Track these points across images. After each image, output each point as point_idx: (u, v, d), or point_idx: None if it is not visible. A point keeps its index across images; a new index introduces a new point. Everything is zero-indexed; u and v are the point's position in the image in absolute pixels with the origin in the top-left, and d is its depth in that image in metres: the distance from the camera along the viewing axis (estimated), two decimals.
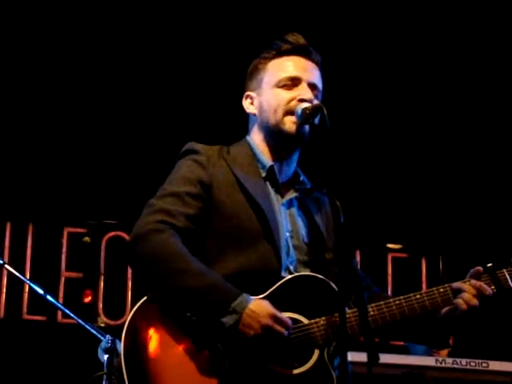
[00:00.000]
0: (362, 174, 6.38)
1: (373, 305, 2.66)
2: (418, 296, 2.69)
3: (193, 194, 2.73)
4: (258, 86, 2.89)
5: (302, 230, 2.83)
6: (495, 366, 3.54)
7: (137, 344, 2.54)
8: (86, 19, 5.83)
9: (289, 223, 2.80)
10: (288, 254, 2.74)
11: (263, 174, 2.83)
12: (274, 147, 2.86)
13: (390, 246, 6.85)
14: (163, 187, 2.78)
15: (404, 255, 6.86)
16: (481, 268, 2.73)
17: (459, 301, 2.67)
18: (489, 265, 2.72)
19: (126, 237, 6.35)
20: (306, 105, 2.75)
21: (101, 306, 6.36)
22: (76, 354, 5.70)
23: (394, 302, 2.67)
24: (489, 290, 2.68)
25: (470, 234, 6.53)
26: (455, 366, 3.51)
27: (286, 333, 2.53)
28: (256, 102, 2.89)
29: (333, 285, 2.65)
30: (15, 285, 6.16)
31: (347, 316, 2.57)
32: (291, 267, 2.73)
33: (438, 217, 6.62)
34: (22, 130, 6.20)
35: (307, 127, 2.78)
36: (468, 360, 3.54)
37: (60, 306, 4.24)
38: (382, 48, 6.06)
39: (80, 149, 6.23)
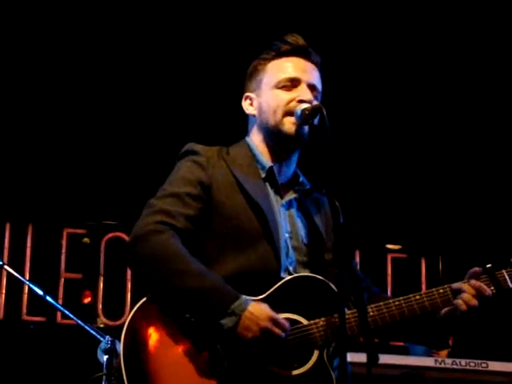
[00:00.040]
0: (362, 174, 6.38)
1: (372, 305, 2.66)
2: (417, 297, 2.69)
3: (193, 194, 2.73)
4: (257, 87, 2.89)
5: (302, 231, 2.82)
6: (494, 366, 3.55)
7: (136, 345, 2.54)
8: (86, 19, 5.83)
9: (288, 224, 2.80)
10: (287, 254, 2.74)
11: (263, 175, 2.83)
12: (274, 148, 2.86)
13: (389, 246, 6.86)
14: (163, 188, 2.77)
15: (403, 256, 6.86)
16: (478, 269, 2.73)
17: (459, 301, 2.67)
18: (488, 265, 2.72)
19: (126, 238, 6.35)
20: (305, 105, 2.74)
21: (100, 306, 6.36)
22: (75, 354, 5.70)
23: (393, 302, 2.67)
24: (488, 290, 2.68)
25: (469, 235, 6.53)
26: (455, 366, 3.52)
27: (284, 336, 2.52)
28: (255, 102, 2.89)
29: (332, 285, 2.65)
30: (15, 286, 6.16)
31: (347, 317, 2.57)
32: (290, 268, 2.73)
33: (437, 217, 6.62)
34: (21, 130, 6.20)
35: (306, 128, 2.78)
36: (467, 360, 3.54)
37: (59, 306, 4.24)
38: (382, 48, 6.06)
39: (80, 150, 6.23)
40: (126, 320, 2.59)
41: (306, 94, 2.79)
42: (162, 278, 2.58)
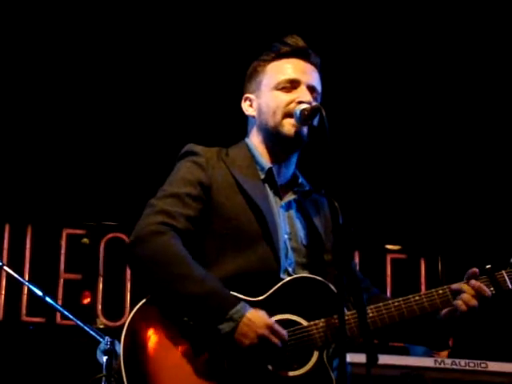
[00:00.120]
0: (361, 175, 6.38)
1: (372, 306, 2.66)
2: (416, 298, 2.69)
3: (193, 195, 2.73)
4: (257, 88, 2.89)
5: (301, 232, 2.83)
6: (494, 366, 3.54)
7: (136, 346, 2.54)
8: (86, 19, 5.83)
9: (287, 225, 2.80)
10: (286, 256, 2.74)
11: (262, 176, 2.83)
12: (273, 149, 2.86)
13: (388, 247, 6.85)
14: (163, 188, 2.78)
15: (403, 256, 6.85)
16: (477, 269, 2.73)
17: (458, 302, 2.67)
18: (488, 266, 2.72)
19: (125, 238, 6.35)
20: (304, 106, 2.75)
21: (100, 307, 6.36)
22: (75, 355, 5.69)
23: (392, 303, 2.67)
24: (488, 291, 2.68)
25: (468, 235, 6.53)
26: (454, 366, 3.51)
27: (280, 345, 2.52)
28: (255, 104, 2.90)
29: (332, 286, 2.65)
30: (14, 286, 6.16)
31: (346, 318, 2.57)
32: (290, 269, 2.73)
33: (436, 218, 6.62)
34: (21, 131, 6.19)
35: (306, 130, 2.78)
36: (467, 361, 3.54)
37: (59, 307, 4.24)
38: (381, 50, 6.06)
39: (79, 150, 6.23)
40: (125, 321, 2.59)
41: (306, 96, 2.79)
42: (162, 281, 2.58)
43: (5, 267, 4.09)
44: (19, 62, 5.97)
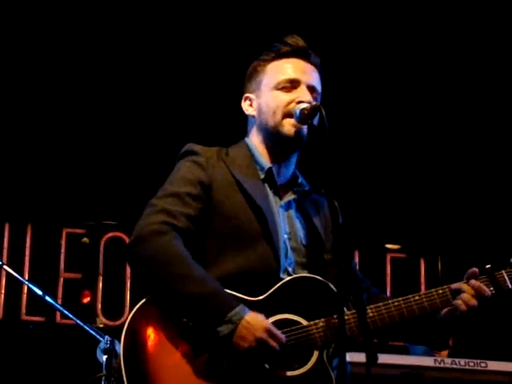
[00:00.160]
0: (361, 174, 6.38)
1: (372, 306, 2.66)
2: (416, 297, 2.69)
3: (193, 194, 2.73)
4: (257, 88, 2.89)
5: (300, 232, 2.82)
6: (494, 366, 3.55)
7: (136, 346, 2.54)
8: (86, 19, 5.83)
9: (287, 225, 2.80)
10: (286, 255, 2.74)
11: (262, 176, 2.83)
12: (273, 149, 2.86)
13: (388, 246, 6.85)
14: (163, 187, 2.78)
15: (403, 255, 6.85)
16: (477, 269, 2.73)
17: (458, 301, 2.67)
18: (487, 266, 2.72)
19: (125, 237, 6.36)
20: (304, 105, 2.74)
21: (99, 306, 6.36)
22: (75, 354, 5.69)
23: (392, 303, 2.67)
24: (487, 290, 2.68)
25: (468, 235, 6.53)
26: (454, 366, 3.52)
27: (278, 348, 2.51)
28: (255, 103, 2.90)
29: (332, 286, 2.65)
30: (14, 286, 6.16)
31: (346, 318, 2.57)
32: (289, 269, 2.73)
33: (436, 217, 6.62)
34: (20, 130, 6.19)
35: (306, 130, 2.78)
36: (467, 360, 3.55)
37: (59, 306, 4.23)
38: (381, 49, 6.06)
39: (79, 149, 6.23)
40: (125, 320, 2.59)
41: (306, 96, 2.79)
42: (162, 281, 2.58)
43: (5, 266, 4.09)
44: (19, 61, 5.97)
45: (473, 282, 2.69)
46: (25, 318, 6.26)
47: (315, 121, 2.74)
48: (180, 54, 5.99)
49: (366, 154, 6.41)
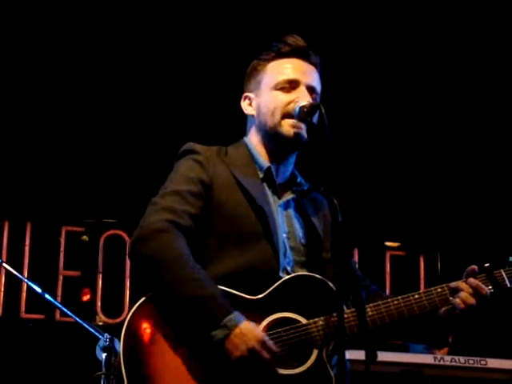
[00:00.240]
0: (360, 172, 6.38)
1: (371, 305, 2.66)
2: (416, 296, 2.68)
3: (194, 192, 2.73)
4: (256, 88, 2.89)
5: (299, 232, 2.82)
6: (493, 363, 3.56)
7: (136, 344, 2.54)
8: (86, 19, 5.82)
9: (286, 224, 2.80)
10: (285, 255, 2.74)
11: (261, 175, 2.83)
12: (272, 149, 2.86)
13: (387, 244, 6.86)
14: (165, 186, 2.77)
15: (402, 253, 6.86)
16: (476, 267, 2.73)
17: (457, 300, 2.67)
18: (486, 265, 2.72)
19: (125, 235, 6.37)
20: (303, 103, 2.74)
21: (99, 304, 6.36)
22: (74, 352, 5.70)
23: (392, 302, 2.67)
24: (486, 289, 2.68)
25: (468, 232, 6.53)
26: (453, 363, 3.53)
27: (270, 359, 2.50)
28: (254, 103, 2.89)
29: (331, 284, 2.65)
30: (13, 283, 6.16)
31: (346, 316, 2.57)
32: (288, 268, 2.73)
33: (435, 214, 6.62)
34: (20, 129, 6.19)
35: (305, 131, 2.78)
36: (466, 358, 3.56)
37: (58, 304, 4.24)
38: (381, 49, 6.06)
39: (78, 148, 6.23)
40: (124, 318, 2.59)
41: (305, 96, 2.78)
42: (162, 281, 2.57)
43: (4, 264, 4.10)
44: (19, 61, 5.97)
45: (471, 280, 2.69)
46: (24, 315, 6.27)
47: (315, 119, 2.75)
48: (180, 53, 5.99)
49: (365, 153, 6.41)
